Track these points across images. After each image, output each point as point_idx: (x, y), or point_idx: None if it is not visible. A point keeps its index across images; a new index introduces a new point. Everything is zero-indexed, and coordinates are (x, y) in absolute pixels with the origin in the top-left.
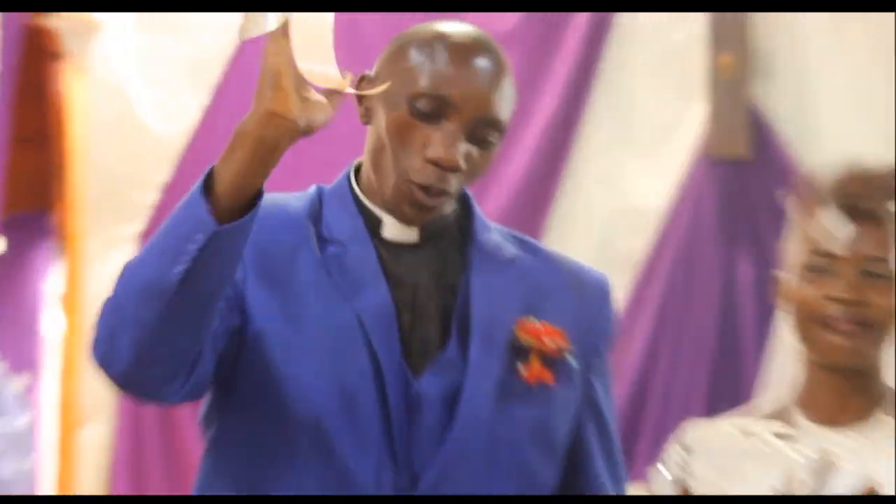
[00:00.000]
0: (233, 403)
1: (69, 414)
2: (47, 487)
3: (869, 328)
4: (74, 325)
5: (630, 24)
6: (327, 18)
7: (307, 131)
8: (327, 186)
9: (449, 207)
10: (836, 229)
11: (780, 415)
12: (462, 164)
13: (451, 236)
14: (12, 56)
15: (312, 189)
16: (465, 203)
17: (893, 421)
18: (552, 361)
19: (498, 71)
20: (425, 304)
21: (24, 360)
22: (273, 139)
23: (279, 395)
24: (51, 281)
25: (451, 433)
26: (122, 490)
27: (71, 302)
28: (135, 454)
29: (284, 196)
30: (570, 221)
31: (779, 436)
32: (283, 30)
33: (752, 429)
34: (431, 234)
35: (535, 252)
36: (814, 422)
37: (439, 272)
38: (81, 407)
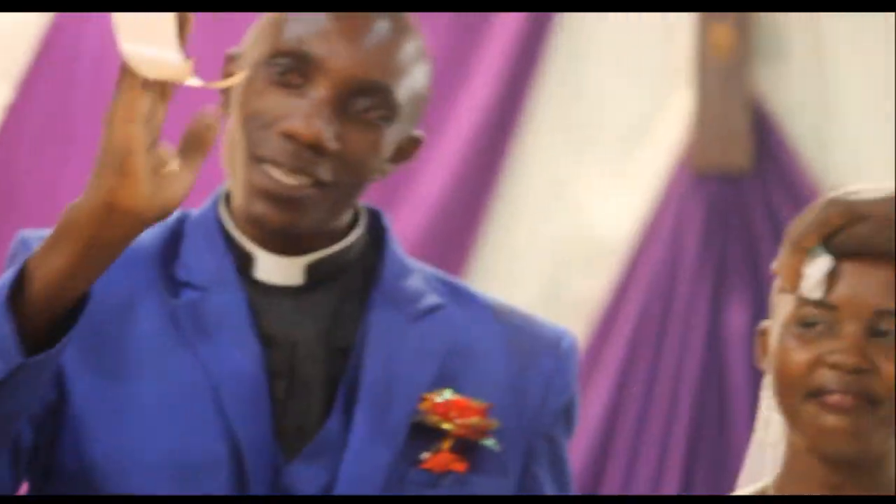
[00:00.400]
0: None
1: None
2: None
3: (876, 405)
4: None
5: None
6: None
7: (160, 218)
8: (194, 212)
9: (346, 237)
10: (825, 277)
11: None
12: (328, 140)
13: (352, 278)
14: None
15: (173, 217)
16: (376, 235)
17: None
18: (470, 446)
19: (388, 28)
20: (308, 368)
21: None
22: (112, 237)
23: (105, 490)
24: None
25: None
26: None
27: None
28: None
29: None
30: (504, 254)
31: None
32: (150, 82)
33: None
34: (323, 275)
35: (469, 302)
36: None
37: (330, 326)
38: None
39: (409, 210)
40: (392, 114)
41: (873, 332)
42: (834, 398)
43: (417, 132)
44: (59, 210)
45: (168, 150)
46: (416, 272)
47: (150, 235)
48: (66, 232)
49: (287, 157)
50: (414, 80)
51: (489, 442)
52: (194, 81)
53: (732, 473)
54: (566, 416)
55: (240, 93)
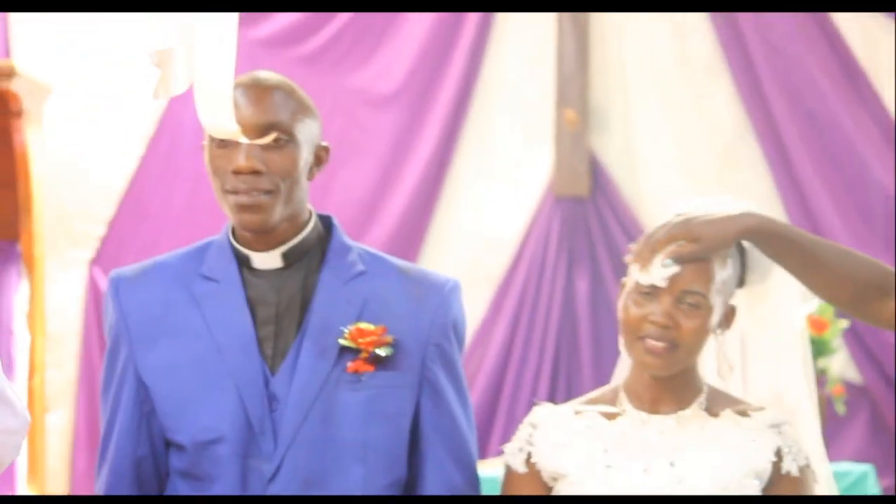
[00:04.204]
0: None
1: (36, 403)
2: (20, 465)
3: (677, 348)
4: (36, 331)
5: (493, 81)
6: (228, 61)
7: None
8: (217, 238)
9: (304, 231)
10: (659, 270)
11: (609, 398)
12: (260, 165)
13: (314, 259)
14: None
15: (207, 239)
16: (328, 231)
17: (704, 412)
18: (376, 355)
19: (274, 91)
20: (286, 317)
21: (2, 360)
22: None
23: (181, 426)
24: (20, 296)
25: (290, 421)
26: (82, 464)
27: (34, 312)
28: (93, 434)
29: (169, 255)
30: (443, 244)
31: (604, 415)
32: None
33: (583, 409)
34: (295, 259)
35: (385, 267)
36: (637, 408)
37: (300, 291)
38: (46, 397)
39: (380, 220)
40: (291, 137)
41: (680, 303)
42: (652, 345)
43: (323, 143)
44: (160, 235)
45: None
46: (353, 250)
47: (185, 254)
48: None
49: (241, 184)
50: (299, 114)
51: (382, 351)
52: (244, 139)
53: (582, 383)
54: (451, 331)
55: (207, 159)
